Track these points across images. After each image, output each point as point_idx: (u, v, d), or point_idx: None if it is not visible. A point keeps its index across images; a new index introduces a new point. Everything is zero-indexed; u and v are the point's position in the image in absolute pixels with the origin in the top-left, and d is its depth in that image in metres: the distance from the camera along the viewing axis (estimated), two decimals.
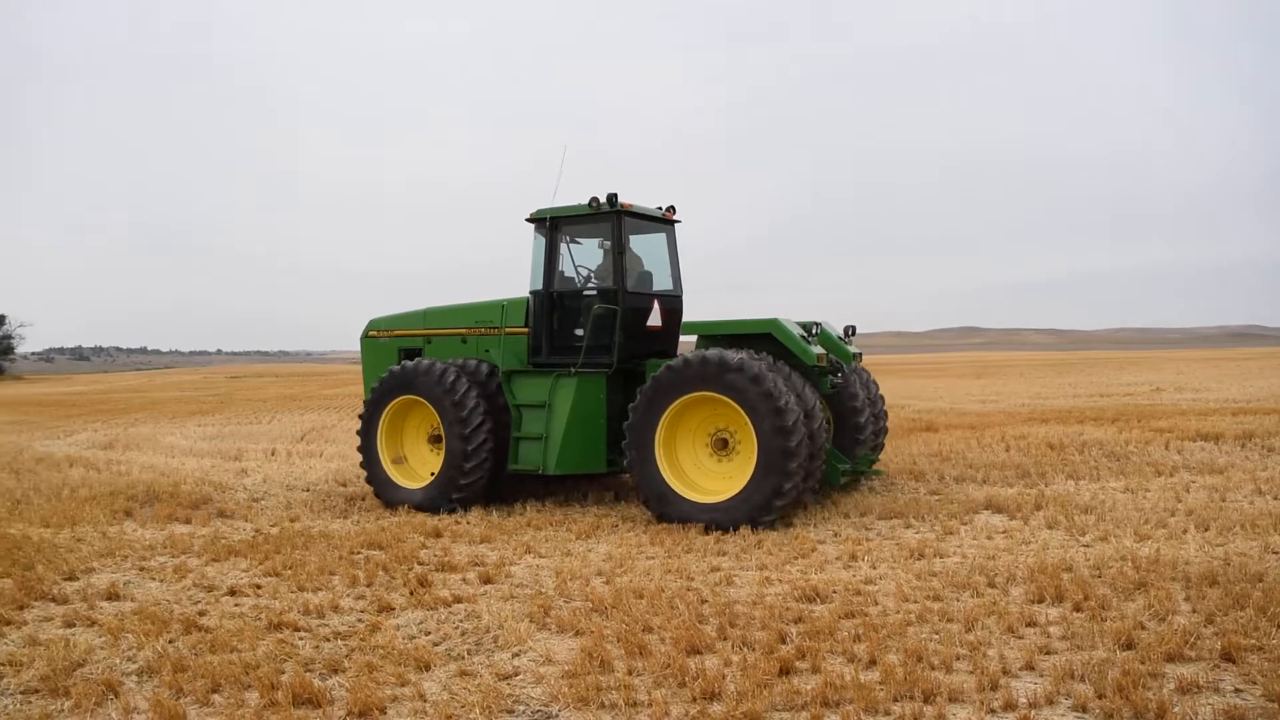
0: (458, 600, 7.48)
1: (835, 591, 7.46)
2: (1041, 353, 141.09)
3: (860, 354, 12.49)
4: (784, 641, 6.30)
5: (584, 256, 12.09)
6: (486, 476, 11.58)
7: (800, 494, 10.35)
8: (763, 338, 10.85)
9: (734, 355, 10.22)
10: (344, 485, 13.54)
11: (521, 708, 5.37)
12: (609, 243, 11.67)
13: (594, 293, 11.66)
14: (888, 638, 6.29)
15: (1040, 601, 7.07)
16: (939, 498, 11.57)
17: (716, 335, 11.12)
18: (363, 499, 12.35)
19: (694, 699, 5.37)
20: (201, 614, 7.26)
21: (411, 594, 7.66)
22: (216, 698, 5.59)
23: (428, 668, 6.00)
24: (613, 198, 11.31)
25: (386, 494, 12.08)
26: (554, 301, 11.84)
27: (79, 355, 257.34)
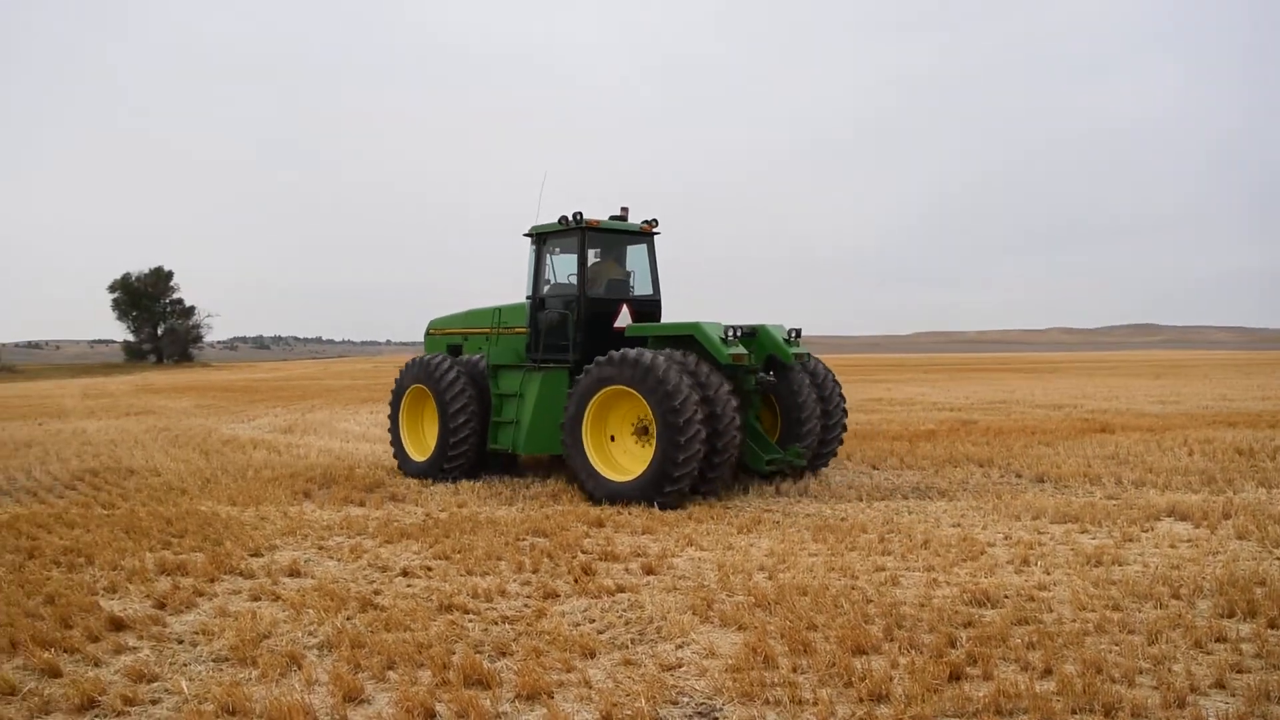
0: (621, 590, 7.56)
1: (1007, 596, 7.22)
2: (1225, 351, 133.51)
3: (807, 354, 13.32)
4: (953, 646, 6.12)
5: (573, 266, 13.25)
6: (471, 453, 13.40)
7: (697, 475, 11.28)
8: (686, 339, 11.98)
9: (640, 353, 11.46)
10: (507, 473, 13.85)
11: (685, 699, 5.38)
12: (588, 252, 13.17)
13: (567, 298, 13.14)
14: (1064, 647, 6.04)
15: (1230, 616, 6.67)
16: (1117, 502, 11.06)
17: (649, 337, 12.41)
18: (527, 487, 12.61)
19: (860, 700, 5.28)
20: (376, 593, 7.55)
21: (576, 582, 7.78)
22: (392, 674, 5.79)
23: (593, 655, 6.08)
24: (578, 215, 12.79)
25: (402, 463, 14.22)
26: (540, 305, 13.41)
27: (260, 344, 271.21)
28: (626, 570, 8.24)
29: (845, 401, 13.81)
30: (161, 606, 7.30)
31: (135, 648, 6.38)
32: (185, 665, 6.03)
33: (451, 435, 13.29)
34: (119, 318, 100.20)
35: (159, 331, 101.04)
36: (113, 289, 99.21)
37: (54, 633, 6.58)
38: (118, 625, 6.79)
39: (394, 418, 14.43)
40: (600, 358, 11.88)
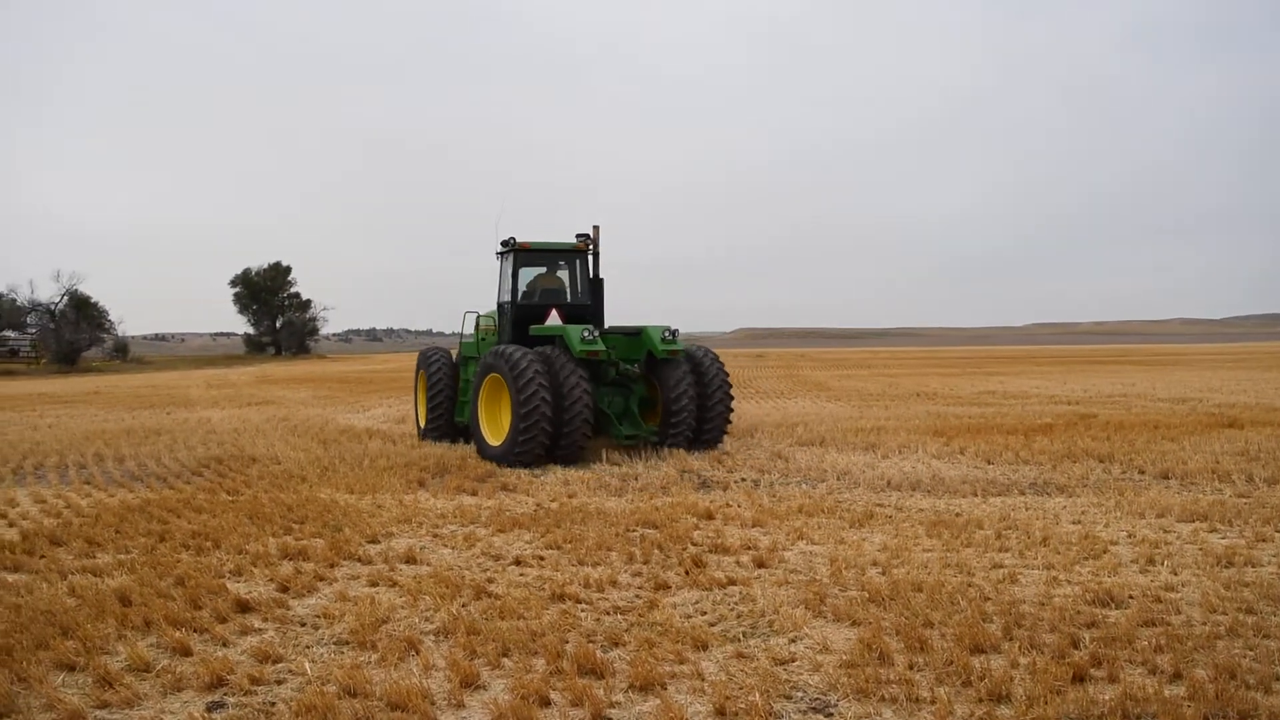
0: (732, 582, 7.53)
1: (1131, 597, 6.98)
2: None
3: (681, 349, 15.44)
4: (1076, 646, 5.94)
5: (524, 278, 16.39)
6: (443, 422, 17.19)
7: (548, 443, 14.09)
8: (558, 338, 15.00)
9: (511, 348, 14.49)
10: (617, 465, 13.93)
11: (799, 694, 5.33)
12: (541, 268, 16.58)
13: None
14: (1194, 650, 5.82)
15: None
16: (1248, 501, 10.60)
17: (541, 336, 15.47)
18: (635, 478, 12.65)
19: (979, 699, 5.16)
20: (490, 581, 7.66)
21: (686, 574, 7.78)
22: (507, 661, 5.88)
23: (705, 647, 6.06)
24: (512, 239, 15.96)
25: (417, 428, 18.09)
26: (502, 310, 16.52)
27: (373, 336, 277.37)
28: (737, 563, 8.21)
29: (729, 384, 15.91)
30: (284, 590, 7.53)
31: (260, 629, 6.60)
32: (308, 647, 6.21)
33: (429, 410, 17.27)
34: (239, 311, 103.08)
35: (277, 324, 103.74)
36: (234, 283, 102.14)
37: (184, 613, 6.84)
38: (244, 607, 7.03)
39: (414, 394, 18.56)
40: (489, 351, 15.13)
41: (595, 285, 16.57)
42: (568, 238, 16.51)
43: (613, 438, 15.41)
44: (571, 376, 14.26)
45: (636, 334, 15.57)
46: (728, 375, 16.01)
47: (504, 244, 16.21)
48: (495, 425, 15.02)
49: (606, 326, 16.12)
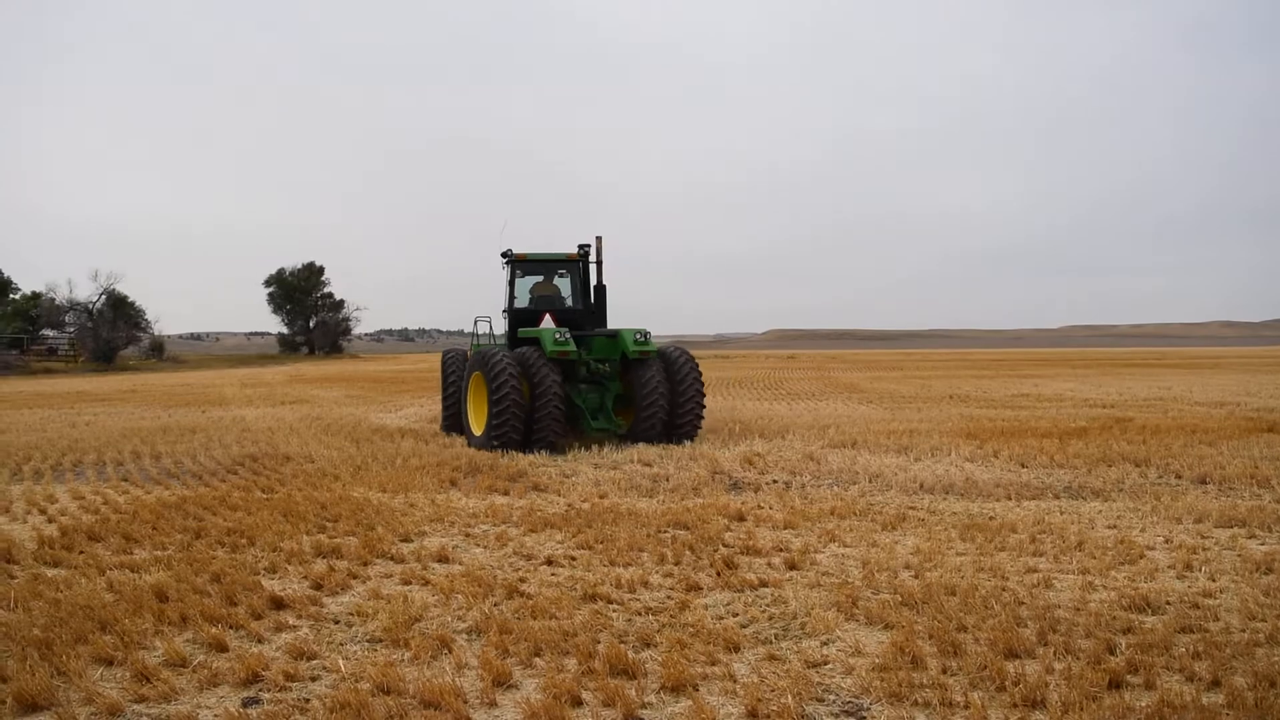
0: (763, 584, 7.51)
1: (1169, 602, 6.90)
2: None
3: (653, 350, 16.82)
4: (1112, 652, 5.88)
5: (525, 286, 18.14)
6: (458, 417, 18.28)
7: (522, 432, 15.65)
8: (535, 340, 16.58)
9: (485, 350, 16.41)
10: (648, 465, 13.94)
11: (831, 697, 5.31)
12: (539, 276, 18.26)
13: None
14: (1233, 658, 5.74)
15: None
16: None
17: (526, 339, 17.05)
18: (666, 479, 12.65)
19: (1014, 705, 5.12)
20: (522, 580, 7.68)
21: (718, 575, 7.77)
22: (539, 661, 5.89)
23: (736, 649, 6.05)
24: (509, 251, 17.69)
25: (441, 423, 19.68)
26: (504, 315, 18.14)
27: (405, 336, 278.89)
28: (769, 565, 8.19)
29: (701, 382, 17.06)
30: (318, 587, 7.58)
31: (295, 626, 6.65)
32: (342, 645, 6.25)
33: (445, 404, 19.06)
34: (274, 311, 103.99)
35: (311, 324, 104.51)
36: (268, 284, 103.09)
37: (220, 609, 6.91)
38: (278, 604, 7.09)
39: (441, 391, 19.99)
40: (475, 354, 17.13)
41: (597, 292, 17.94)
42: (595, 239, 17.78)
43: (584, 431, 16.72)
44: (543, 373, 15.79)
45: (614, 336, 17.02)
46: (700, 374, 17.19)
47: (503, 254, 17.81)
48: (479, 417, 16.54)
49: (594, 330, 17.39)
